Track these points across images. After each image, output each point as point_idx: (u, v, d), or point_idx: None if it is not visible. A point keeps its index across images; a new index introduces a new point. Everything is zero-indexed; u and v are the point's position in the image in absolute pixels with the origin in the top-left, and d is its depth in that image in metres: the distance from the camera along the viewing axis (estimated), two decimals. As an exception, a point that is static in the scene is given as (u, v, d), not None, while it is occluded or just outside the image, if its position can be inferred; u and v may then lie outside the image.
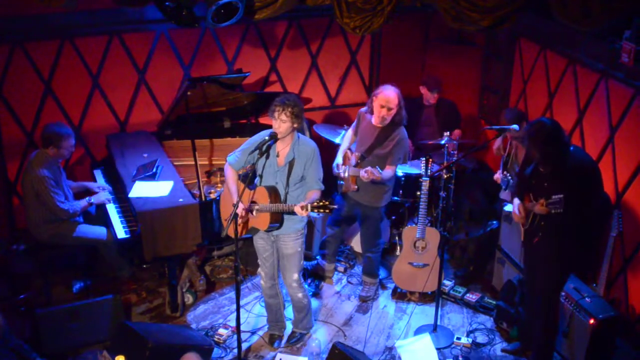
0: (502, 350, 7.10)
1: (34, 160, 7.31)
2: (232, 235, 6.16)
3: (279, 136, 6.29)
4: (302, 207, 6.06)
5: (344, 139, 7.83)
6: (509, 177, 7.16)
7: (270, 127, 6.50)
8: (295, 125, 6.32)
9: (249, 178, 6.22)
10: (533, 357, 6.75)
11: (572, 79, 7.67)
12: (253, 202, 6.40)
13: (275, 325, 7.24)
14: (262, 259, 6.91)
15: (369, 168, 7.02)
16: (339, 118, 9.98)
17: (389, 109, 7.13)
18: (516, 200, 6.42)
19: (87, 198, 7.54)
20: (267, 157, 6.31)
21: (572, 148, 5.99)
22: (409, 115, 7.93)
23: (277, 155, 6.44)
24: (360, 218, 7.80)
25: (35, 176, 7.17)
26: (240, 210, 6.23)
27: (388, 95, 7.14)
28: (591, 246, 6.80)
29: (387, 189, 7.51)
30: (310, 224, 8.16)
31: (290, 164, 6.40)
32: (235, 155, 6.54)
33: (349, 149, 7.62)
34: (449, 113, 8.94)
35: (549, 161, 5.98)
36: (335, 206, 6.10)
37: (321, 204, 5.99)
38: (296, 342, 7.18)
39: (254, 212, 6.40)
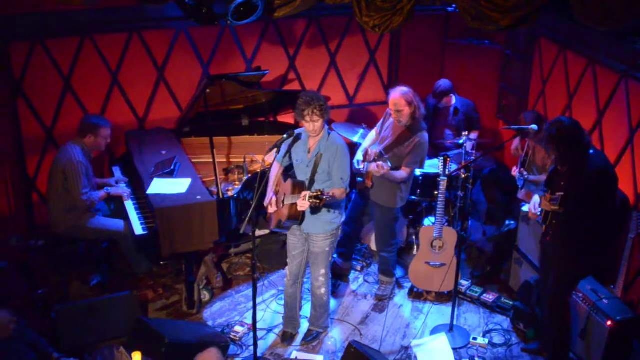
0: (522, 350, 7.08)
1: (70, 144, 7.46)
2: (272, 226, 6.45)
3: (314, 134, 6.41)
4: (303, 197, 6.07)
5: (366, 137, 7.84)
6: (526, 176, 7.15)
7: (286, 124, 6.56)
8: (326, 118, 6.38)
9: (262, 175, 6.30)
10: (548, 358, 6.75)
11: (592, 79, 7.63)
12: (283, 193, 6.51)
13: (290, 322, 7.26)
14: (291, 257, 6.96)
15: (379, 162, 7.04)
16: (357, 117, 9.97)
17: (398, 111, 7.20)
18: (535, 197, 6.45)
19: (105, 189, 7.62)
20: (287, 156, 6.43)
21: (592, 152, 5.98)
22: (428, 115, 7.95)
23: (308, 151, 6.51)
24: (375, 218, 7.80)
25: (70, 158, 7.30)
26: (267, 201, 6.53)
27: (394, 97, 7.23)
28: (605, 251, 6.76)
29: (402, 190, 7.50)
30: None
31: (317, 159, 6.45)
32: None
33: (370, 147, 7.63)
34: (467, 114, 8.91)
35: (565, 160, 5.99)
36: (325, 197, 6.05)
37: (315, 194, 5.99)
38: (312, 340, 7.19)
39: (282, 203, 6.49)
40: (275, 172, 6.67)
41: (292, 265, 7.00)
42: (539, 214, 6.40)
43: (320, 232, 6.66)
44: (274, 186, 6.59)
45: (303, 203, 6.08)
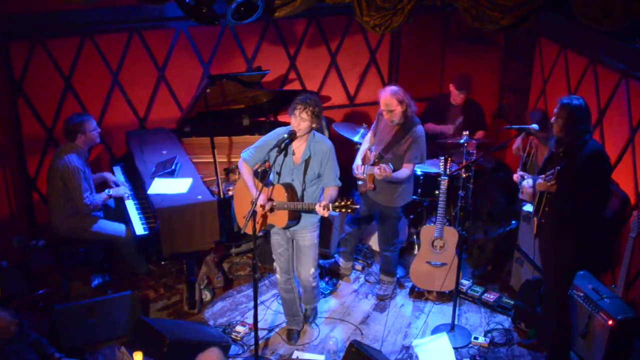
0: (519, 344, 7.13)
1: (64, 149, 7.38)
2: (250, 232, 6.17)
3: (298, 132, 6.32)
4: (323, 207, 6.03)
5: (364, 140, 7.84)
6: (527, 177, 7.13)
7: (285, 124, 6.52)
8: (314, 125, 6.33)
9: (267, 175, 6.24)
10: (548, 357, 6.74)
11: (593, 79, 7.62)
12: (270, 199, 6.41)
13: (292, 319, 7.26)
14: (277, 254, 6.94)
15: (381, 165, 7.03)
16: (357, 116, 9.98)
17: (390, 111, 7.19)
18: (529, 181, 6.45)
19: (106, 191, 7.58)
20: (285, 155, 6.34)
21: (591, 141, 5.99)
22: (435, 111, 7.91)
23: (293, 153, 6.46)
24: (378, 217, 7.80)
25: (65, 165, 7.23)
26: (259, 207, 6.26)
27: (384, 98, 7.20)
28: (602, 245, 6.76)
29: (405, 189, 7.50)
30: (328, 222, 8.16)
31: (307, 162, 6.42)
32: (249, 151, 6.56)
33: (369, 149, 7.62)
34: (475, 115, 8.91)
35: (568, 134, 5.96)
36: (357, 206, 6.09)
37: (343, 203, 5.99)
38: (313, 319, 7.38)
39: (273, 210, 6.40)
40: (250, 175, 6.57)
41: (280, 262, 6.96)
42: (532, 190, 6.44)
43: (307, 224, 6.64)
44: (259, 191, 6.27)
45: (324, 212, 6.06)
